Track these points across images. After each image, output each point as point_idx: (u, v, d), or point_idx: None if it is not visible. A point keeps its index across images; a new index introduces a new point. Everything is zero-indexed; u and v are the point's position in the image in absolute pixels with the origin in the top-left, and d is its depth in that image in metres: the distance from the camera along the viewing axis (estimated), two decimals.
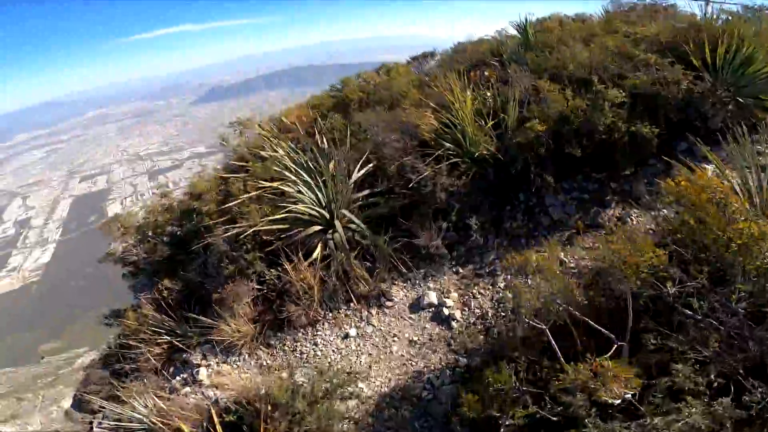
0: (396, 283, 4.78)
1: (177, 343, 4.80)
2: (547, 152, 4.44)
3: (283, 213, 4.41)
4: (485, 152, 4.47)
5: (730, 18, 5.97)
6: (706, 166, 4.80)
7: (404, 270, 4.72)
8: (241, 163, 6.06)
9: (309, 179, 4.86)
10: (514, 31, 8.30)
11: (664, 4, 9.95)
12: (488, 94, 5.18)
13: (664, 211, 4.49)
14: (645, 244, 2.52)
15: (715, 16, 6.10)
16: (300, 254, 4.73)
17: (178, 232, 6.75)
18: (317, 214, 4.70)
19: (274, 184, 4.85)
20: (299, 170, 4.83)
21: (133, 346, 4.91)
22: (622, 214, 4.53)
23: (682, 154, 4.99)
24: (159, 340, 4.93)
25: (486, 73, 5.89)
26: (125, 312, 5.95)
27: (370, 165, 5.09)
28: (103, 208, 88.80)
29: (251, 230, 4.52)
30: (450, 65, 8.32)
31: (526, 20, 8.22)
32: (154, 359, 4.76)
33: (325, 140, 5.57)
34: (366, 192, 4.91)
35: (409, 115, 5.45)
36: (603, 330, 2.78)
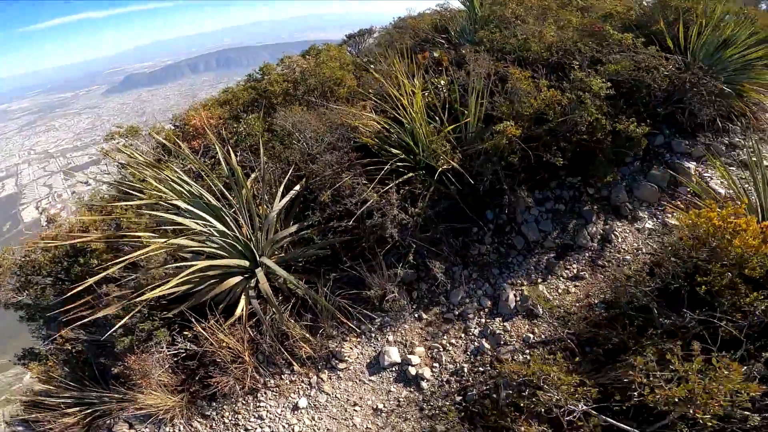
0: (347, 338, 3.69)
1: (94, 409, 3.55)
2: (520, 160, 3.50)
3: (181, 278, 3.08)
4: (446, 166, 3.41)
5: None
6: (687, 164, 4.20)
7: (355, 322, 3.63)
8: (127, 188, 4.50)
9: (215, 214, 3.53)
10: (459, 4, 7.26)
11: None
12: (442, 82, 4.08)
13: (649, 224, 3.80)
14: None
15: None
16: (218, 312, 3.49)
17: (65, 276, 5.12)
18: (232, 263, 3.42)
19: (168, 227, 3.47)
20: (199, 203, 3.46)
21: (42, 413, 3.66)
22: (606, 230, 3.76)
23: (659, 148, 4.34)
24: (70, 411, 3.64)
25: (436, 55, 4.78)
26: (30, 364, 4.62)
27: (298, 187, 3.85)
28: (17, 214, 78.45)
29: (143, 298, 3.15)
30: (390, 44, 7.13)
31: None
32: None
33: (236, 154, 4.20)
34: (293, 228, 3.67)
35: (344, 113, 4.24)
36: None
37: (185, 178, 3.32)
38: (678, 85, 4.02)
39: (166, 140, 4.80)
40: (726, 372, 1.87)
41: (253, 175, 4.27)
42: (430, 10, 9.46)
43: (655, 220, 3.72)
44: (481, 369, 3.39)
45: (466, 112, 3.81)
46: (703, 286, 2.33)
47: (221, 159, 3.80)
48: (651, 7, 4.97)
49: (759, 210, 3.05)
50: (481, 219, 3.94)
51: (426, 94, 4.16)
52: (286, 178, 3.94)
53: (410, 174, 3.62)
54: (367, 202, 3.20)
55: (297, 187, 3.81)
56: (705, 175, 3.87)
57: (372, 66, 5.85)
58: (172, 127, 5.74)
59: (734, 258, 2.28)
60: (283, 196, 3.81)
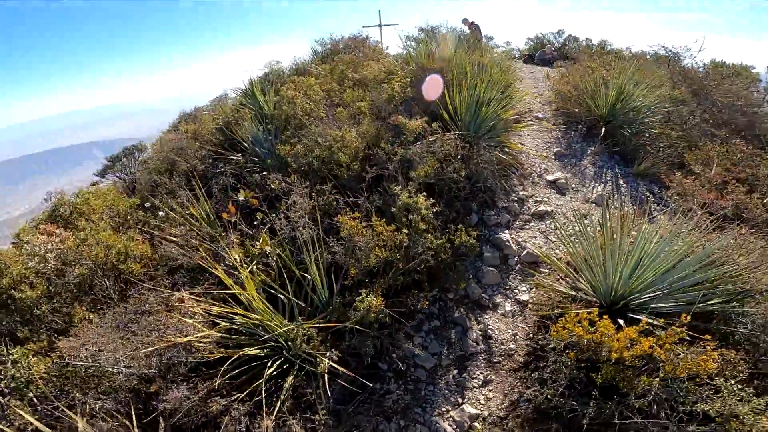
0: None
1: None
2: (389, 318, 3.14)
3: None
4: (324, 364, 2.74)
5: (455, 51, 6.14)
6: (503, 235, 4.59)
7: None
8: None
9: None
10: (250, 93, 6.55)
11: (363, 37, 10.28)
12: (267, 249, 3.35)
13: (508, 306, 3.99)
14: None
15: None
16: None
17: None
18: None
19: None
20: None
21: None
22: (482, 328, 3.79)
23: (476, 228, 4.63)
24: None
25: (242, 198, 3.99)
26: None
27: None
28: None
29: None
30: (171, 169, 5.87)
31: (252, 83, 6.60)
32: None
33: None
34: None
35: (160, 323, 3.05)
36: None
37: None
38: (471, 166, 4.37)
39: None
40: None
41: None
42: (208, 105, 8.43)
43: (510, 300, 3.91)
44: None
45: (308, 276, 3.21)
46: (599, 379, 2.54)
47: None
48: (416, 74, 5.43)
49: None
50: (377, 376, 3.45)
51: (255, 264, 3.37)
52: None
53: (290, 379, 2.80)
54: None
55: None
56: (520, 240, 4.32)
57: (160, 213, 4.62)
58: None
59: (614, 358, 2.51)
60: None
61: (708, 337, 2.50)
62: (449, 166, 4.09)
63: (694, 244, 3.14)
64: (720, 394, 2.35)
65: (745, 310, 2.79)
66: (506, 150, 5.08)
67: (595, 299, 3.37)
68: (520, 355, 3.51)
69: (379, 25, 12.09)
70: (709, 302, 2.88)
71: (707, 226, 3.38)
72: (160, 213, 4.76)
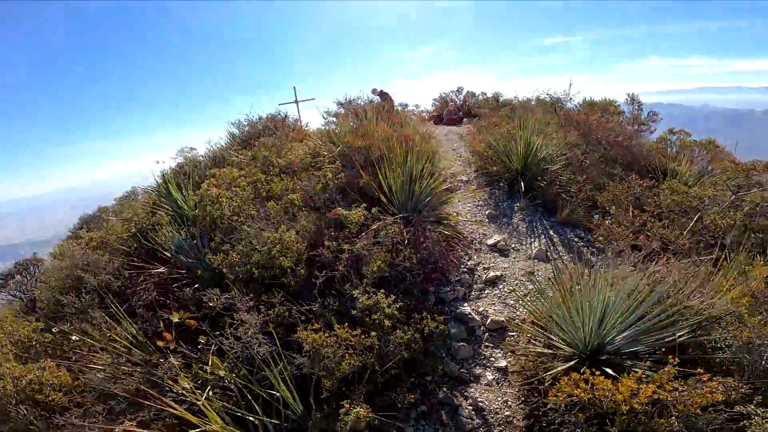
0: None
1: None
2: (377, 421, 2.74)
3: None
4: None
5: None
6: (463, 308, 4.54)
7: None
8: None
9: None
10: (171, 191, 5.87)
11: (281, 116, 10.26)
12: (221, 372, 2.77)
13: (489, 375, 3.84)
14: None
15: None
16: None
17: None
18: None
19: None
20: None
21: None
22: (472, 402, 3.55)
23: (436, 308, 4.52)
24: None
25: (176, 320, 3.36)
26: None
27: None
28: None
29: None
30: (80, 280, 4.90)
31: (165, 177, 5.97)
32: None
33: None
34: None
35: None
36: None
37: None
38: (421, 251, 4.33)
39: None
40: None
41: None
42: (114, 205, 7.46)
43: (490, 369, 3.76)
44: None
45: (276, 393, 2.71)
46: (615, 429, 2.53)
47: None
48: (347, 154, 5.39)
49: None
50: None
51: (210, 390, 2.77)
52: None
53: None
54: None
55: None
56: (481, 310, 4.29)
57: (74, 338, 3.75)
58: None
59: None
60: None
61: (701, 370, 2.58)
62: (399, 255, 3.99)
63: (642, 282, 3.34)
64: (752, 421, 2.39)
65: (716, 338, 2.97)
66: (446, 223, 5.17)
67: (573, 352, 3.37)
68: (519, 419, 3.34)
69: (296, 102, 12.20)
70: (678, 336, 3.03)
71: (644, 263, 3.65)
72: (74, 338, 3.91)
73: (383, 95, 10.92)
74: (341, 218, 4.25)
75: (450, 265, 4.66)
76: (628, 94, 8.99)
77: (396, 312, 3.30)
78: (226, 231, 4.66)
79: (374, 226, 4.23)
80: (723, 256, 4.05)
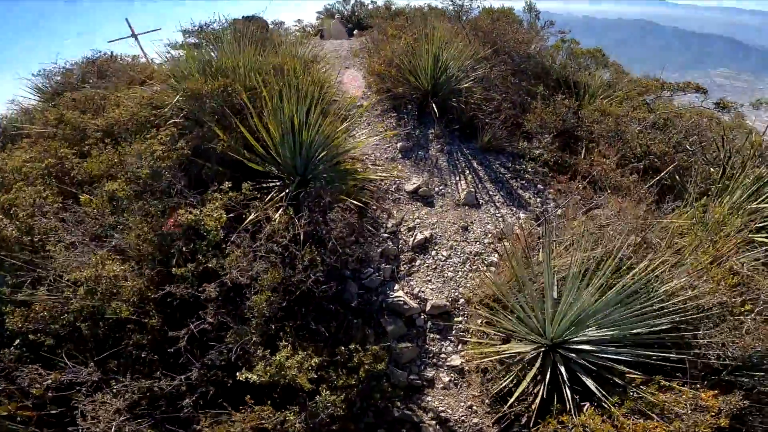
0: None
1: None
2: None
3: None
4: None
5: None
6: (396, 295, 3.59)
7: None
8: None
9: None
10: None
11: (108, 56, 7.25)
12: None
13: (444, 377, 3.05)
14: None
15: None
16: None
17: None
18: None
19: None
20: None
21: None
22: (435, 416, 2.78)
23: (361, 300, 3.47)
24: None
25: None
26: None
27: None
28: None
29: None
30: None
31: None
32: None
33: None
34: None
35: None
36: None
37: None
38: (326, 242, 3.06)
39: None
40: None
41: None
42: None
43: (443, 369, 2.98)
44: None
45: None
46: None
47: None
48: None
49: None
50: None
51: None
52: None
53: None
54: None
55: None
56: (416, 292, 3.35)
57: None
58: None
59: None
60: None
61: (710, 393, 1.96)
62: (296, 265, 2.69)
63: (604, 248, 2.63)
64: None
65: (710, 341, 2.36)
66: (354, 182, 3.87)
67: (533, 341, 2.68)
68: (489, 426, 2.70)
69: (134, 35, 8.80)
70: (654, 330, 2.39)
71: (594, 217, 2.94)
72: None
73: (253, 19, 8.39)
74: (192, 225, 2.71)
75: (368, 235, 3.55)
76: (526, 2, 7.97)
77: (313, 373, 2.14)
78: (16, 270, 2.81)
79: (251, 218, 2.81)
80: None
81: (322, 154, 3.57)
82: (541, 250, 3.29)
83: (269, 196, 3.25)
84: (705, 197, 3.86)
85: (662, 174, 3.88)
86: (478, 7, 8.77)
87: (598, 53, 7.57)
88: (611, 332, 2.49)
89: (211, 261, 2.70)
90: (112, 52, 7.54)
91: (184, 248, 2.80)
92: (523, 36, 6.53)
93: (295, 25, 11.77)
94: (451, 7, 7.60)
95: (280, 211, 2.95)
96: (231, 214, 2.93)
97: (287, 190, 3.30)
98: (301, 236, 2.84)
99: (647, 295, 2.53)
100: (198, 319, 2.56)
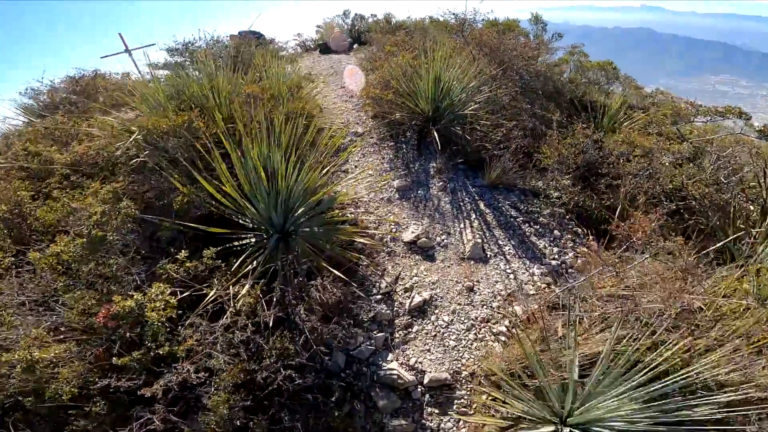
0: None
1: None
2: None
3: None
4: None
5: None
6: (389, 368, 2.98)
7: None
8: None
9: None
10: None
11: (93, 75, 6.73)
12: None
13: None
14: None
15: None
16: None
17: None
18: None
19: None
20: None
21: None
22: None
23: (347, 372, 2.87)
24: None
25: None
26: None
27: None
28: None
29: None
30: None
31: None
32: None
33: None
34: None
35: None
36: None
37: None
38: (305, 324, 2.45)
39: None
40: None
41: None
42: None
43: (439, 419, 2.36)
44: None
45: None
46: None
47: None
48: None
49: None
50: None
51: None
52: None
53: None
54: None
55: None
56: (412, 362, 2.74)
57: None
58: None
59: None
60: None
61: None
62: (264, 358, 2.09)
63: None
64: None
65: None
66: (341, 231, 3.22)
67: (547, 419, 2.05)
68: None
69: (127, 51, 8.23)
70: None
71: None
72: None
73: (245, 36, 7.86)
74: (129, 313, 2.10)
75: (356, 298, 2.92)
76: (532, 13, 7.35)
77: None
78: None
79: (211, 295, 2.21)
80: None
81: (301, 208, 2.95)
82: (560, 323, 2.67)
83: (239, 261, 2.64)
84: (744, 243, 3.20)
85: (718, 245, 3.21)
86: (483, 19, 8.20)
87: (608, 66, 6.95)
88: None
89: (163, 347, 2.12)
90: (96, 71, 7.03)
91: (128, 333, 2.21)
92: (532, 52, 5.89)
93: (295, 39, 11.25)
94: (453, 21, 7.01)
95: (246, 288, 2.33)
96: (187, 293, 2.32)
97: (261, 251, 2.68)
98: (270, 322, 2.22)
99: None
100: (146, 412, 1.99)
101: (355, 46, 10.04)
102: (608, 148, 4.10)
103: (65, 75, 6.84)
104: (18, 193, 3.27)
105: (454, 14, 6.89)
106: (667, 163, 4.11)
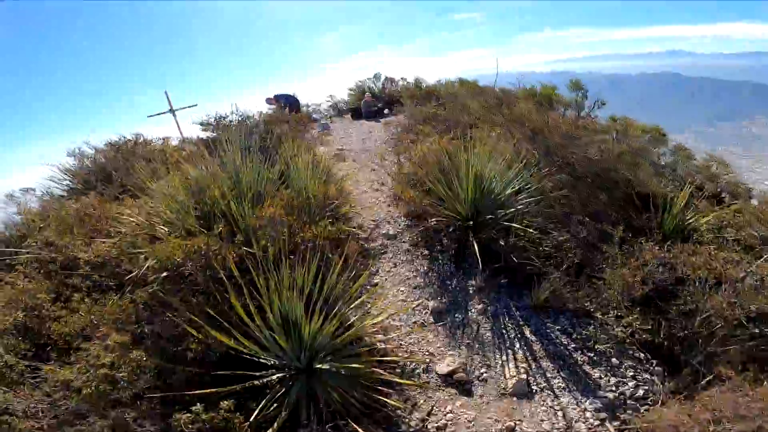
0: None
1: None
2: None
3: None
4: None
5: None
6: None
7: None
8: None
9: None
10: None
11: (134, 139, 6.82)
12: None
13: None
14: None
15: None
16: None
17: None
18: None
19: None
20: None
21: None
22: None
23: None
24: None
25: None
26: None
27: None
28: None
29: None
30: None
31: None
32: None
33: None
34: None
35: None
36: None
37: None
38: None
39: None
40: None
41: None
42: None
43: None
44: None
45: None
46: None
47: None
48: None
49: None
50: None
51: None
52: None
53: None
54: None
55: None
56: None
57: None
58: None
59: None
60: None
61: None
62: None
63: None
64: None
65: None
66: (369, 374, 2.72)
67: None
68: None
69: (171, 110, 8.47)
70: None
71: None
72: None
73: (278, 102, 7.87)
74: None
75: None
76: (571, 80, 6.95)
77: None
78: None
79: None
80: None
81: (324, 351, 2.51)
82: None
83: (260, 407, 2.25)
84: None
85: None
86: (519, 84, 7.87)
87: (656, 132, 6.26)
88: None
89: None
90: (136, 136, 7.06)
91: None
92: (580, 132, 5.37)
93: (328, 100, 11.41)
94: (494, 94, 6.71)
95: None
96: None
97: (282, 393, 2.26)
98: None
99: None
100: None
101: (386, 111, 10.00)
102: (681, 268, 3.46)
103: (108, 140, 6.81)
104: (38, 296, 3.03)
105: (496, 89, 6.60)
106: (749, 284, 3.41)
